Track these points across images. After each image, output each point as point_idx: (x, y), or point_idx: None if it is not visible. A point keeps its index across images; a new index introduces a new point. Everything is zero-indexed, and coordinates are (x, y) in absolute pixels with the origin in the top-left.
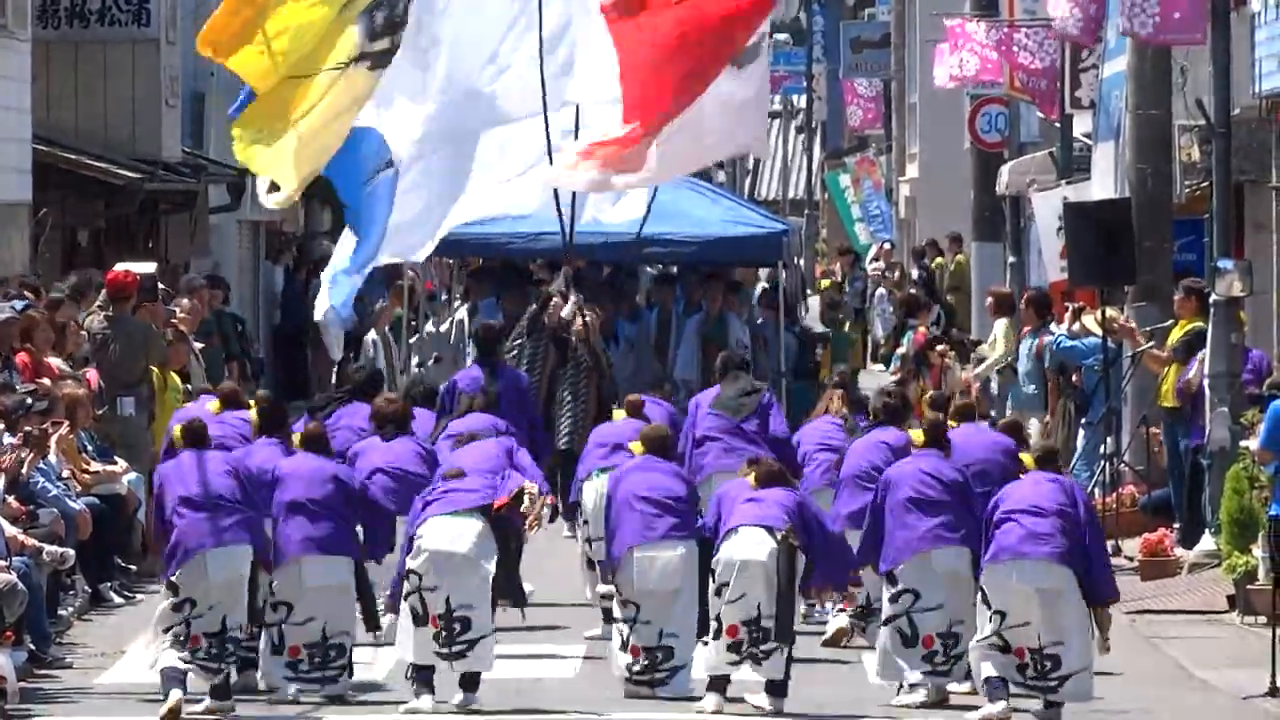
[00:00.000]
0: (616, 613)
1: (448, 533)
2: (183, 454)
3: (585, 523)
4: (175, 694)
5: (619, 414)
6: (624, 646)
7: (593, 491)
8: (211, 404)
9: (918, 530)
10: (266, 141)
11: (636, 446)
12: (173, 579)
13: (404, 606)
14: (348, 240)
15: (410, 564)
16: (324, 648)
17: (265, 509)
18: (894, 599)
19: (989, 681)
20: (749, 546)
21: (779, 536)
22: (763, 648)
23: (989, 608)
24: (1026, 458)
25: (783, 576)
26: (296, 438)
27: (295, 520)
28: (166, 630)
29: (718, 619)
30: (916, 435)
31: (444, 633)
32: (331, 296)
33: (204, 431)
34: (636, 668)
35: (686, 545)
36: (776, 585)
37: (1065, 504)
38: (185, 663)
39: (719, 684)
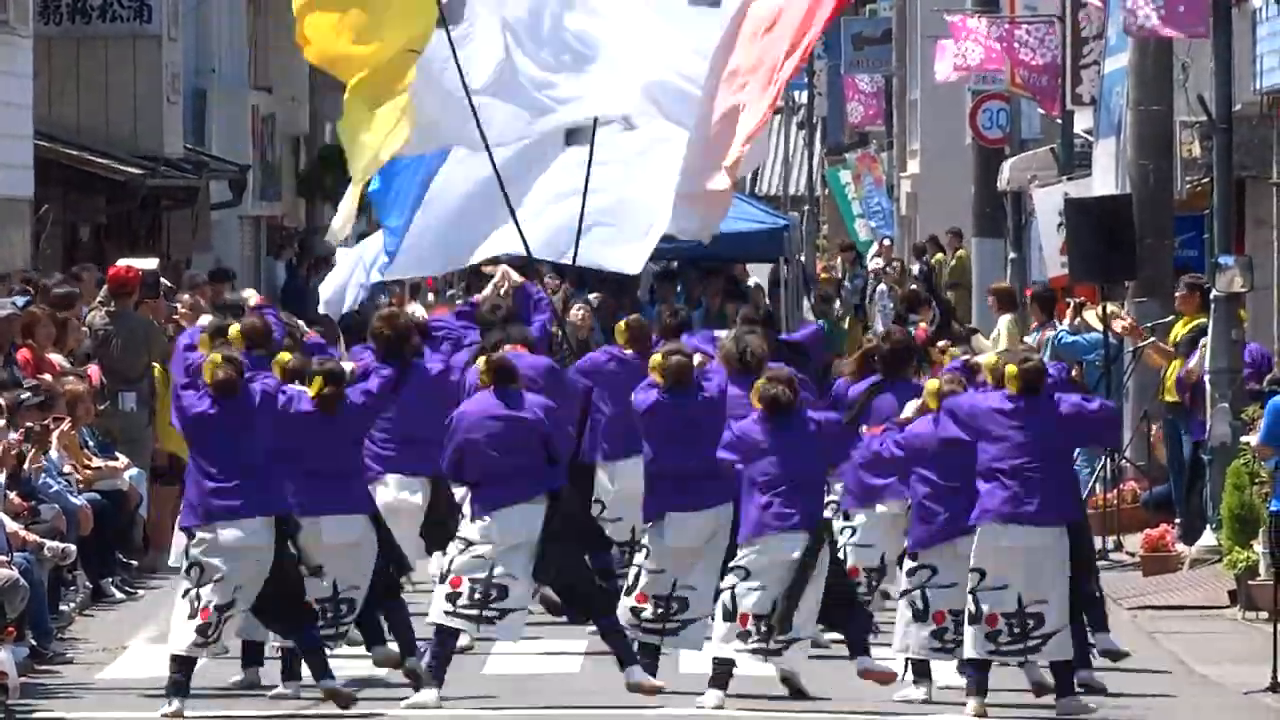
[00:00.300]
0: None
1: (518, 524)
2: (210, 406)
3: (599, 502)
4: (175, 703)
5: (620, 328)
6: (629, 591)
7: (605, 475)
8: (232, 330)
9: (939, 518)
10: (371, 108)
11: (655, 371)
12: (188, 543)
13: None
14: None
15: (466, 531)
16: (335, 602)
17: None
18: (911, 573)
19: (964, 667)
20: (778, 547)
21: (823, 531)
22: (774, 641)
23: (969, 564)
24: (1012, 370)
25: (803, 570)
26: (311, 391)
27: (313, 480)
28: (184, 595)
29: (733, 598)
30: (931, 389)
31: (476, 594)
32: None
33: (236, 385)
34: (646, 614)
35: (721, 509)
36: (791, 577)
37: (1048, 451)
38: (197, 645)
39: (721, 679)
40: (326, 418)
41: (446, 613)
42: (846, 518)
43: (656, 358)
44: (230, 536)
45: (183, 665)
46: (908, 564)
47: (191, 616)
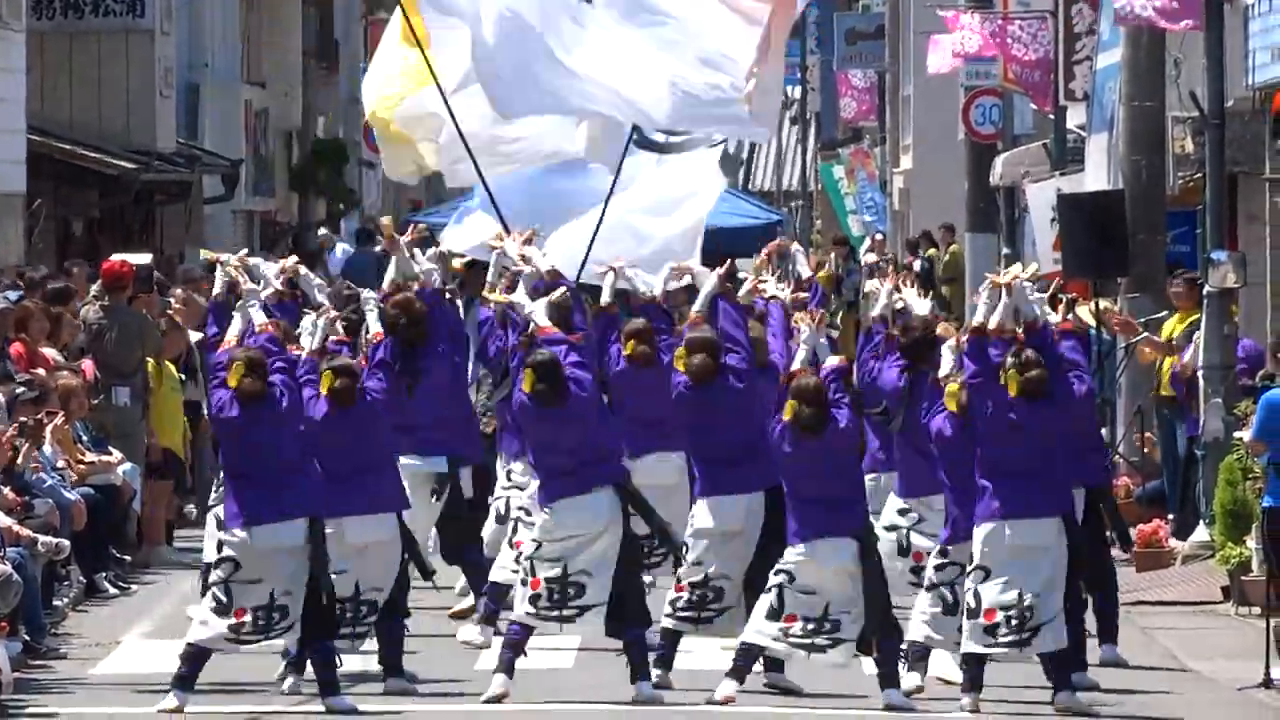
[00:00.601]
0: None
1: (582, 514)
2: (238, 410)
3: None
4: (172, 700)
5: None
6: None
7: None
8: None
9: (966, 516)
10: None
11: (678, 362)
12: (222, 536)
13: (518, 566)
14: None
15: (538, 534)
16: (356, 603)
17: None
18: (940, 568)
19: (964, 664)
20: (830, 555)
21: (862, 535)
22: (819, 640)
23: (971, 560)
24: (1014, 375)
25: (872, 574)
26: (323, 386)
27: (332, 481)
28: (206, 589)
29: (780, 598)
30: (952, 390)
31: (554, 595)
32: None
33: (261, 394)
34: (680, 603)
35: (752, 496)
36: (862, 585)
37: (1048, 450)
38: (228, 640)
39: (740, 672)
40: (342, 418)
41: (529, 614)
42: (904, 503)
43: (681, 350)
44: (265, 539)
45: (194, 659)
46: (938, 559)
47: (222, 613)
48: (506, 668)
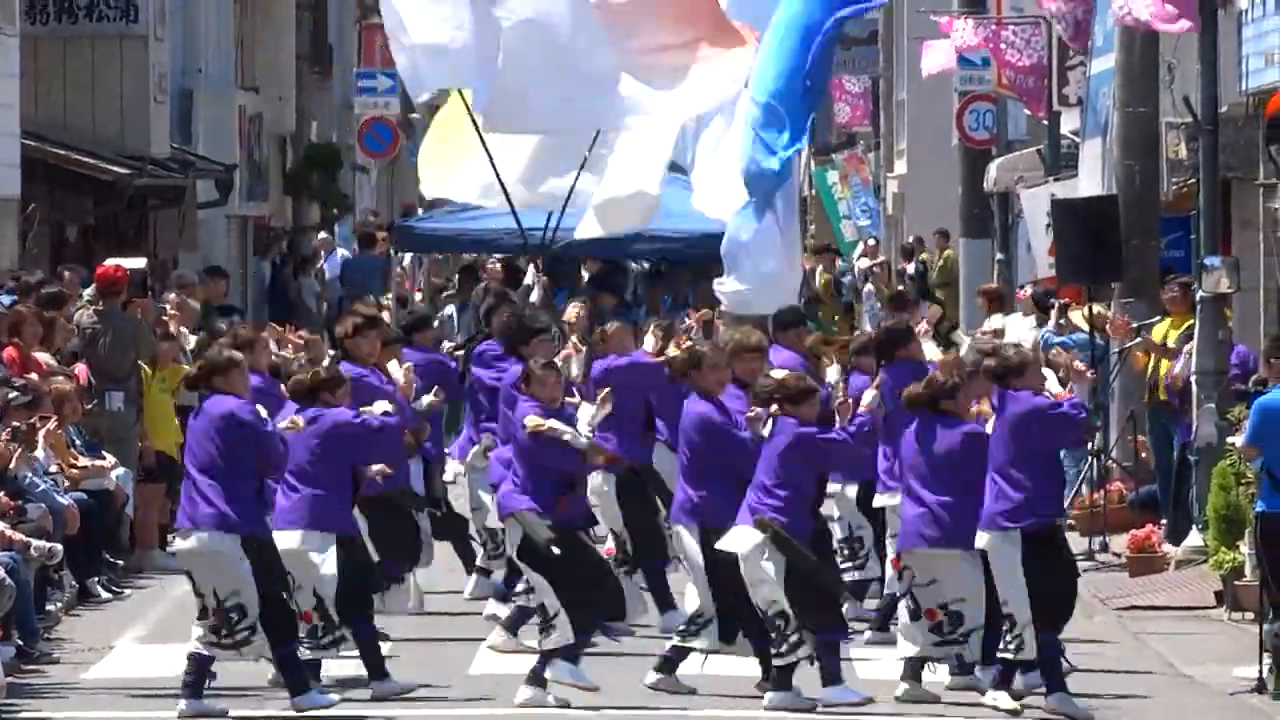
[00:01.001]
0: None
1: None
2: (193, 414)
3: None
4: (181, 705)
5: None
6: None
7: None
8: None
9: (908, 524)
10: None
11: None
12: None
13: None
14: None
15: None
16: (324, 612)
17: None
18: (899, 576)
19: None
20: (736, 541)
21: (760, 524)
22: (788, 639)
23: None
24: (985, 407)
25: (781, 565)
26: (289, 371)
27: (281, 489)
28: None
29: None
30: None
31: (539, 619)
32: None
33: (194, 382)
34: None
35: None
36: (782, 574)
37: (1016, 456)
38: (211, 644)
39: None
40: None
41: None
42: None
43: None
44: (188, 545)
45: (197, 665)
46: (899, 566)
47: (202, 617)
48: (534, 680)
